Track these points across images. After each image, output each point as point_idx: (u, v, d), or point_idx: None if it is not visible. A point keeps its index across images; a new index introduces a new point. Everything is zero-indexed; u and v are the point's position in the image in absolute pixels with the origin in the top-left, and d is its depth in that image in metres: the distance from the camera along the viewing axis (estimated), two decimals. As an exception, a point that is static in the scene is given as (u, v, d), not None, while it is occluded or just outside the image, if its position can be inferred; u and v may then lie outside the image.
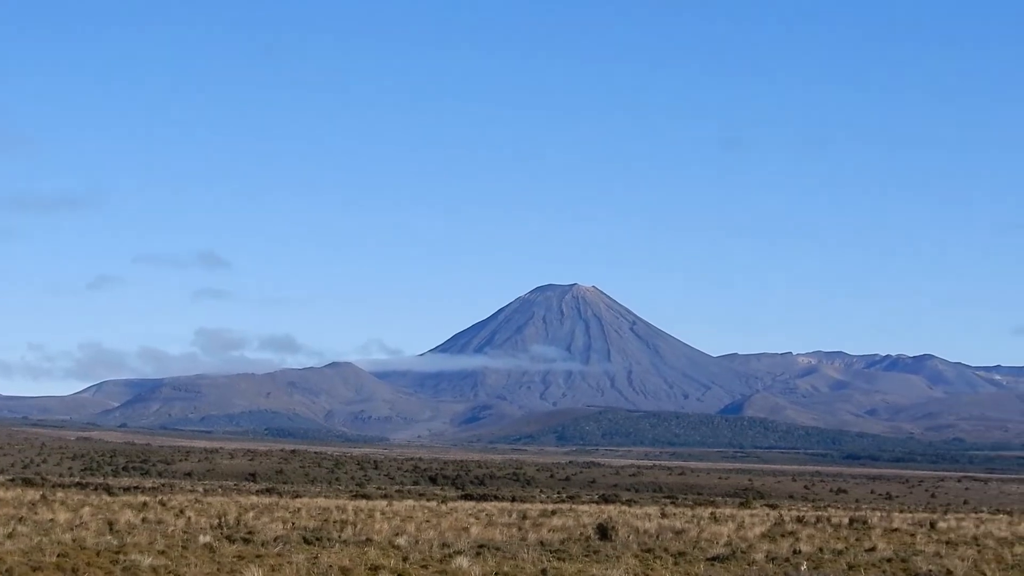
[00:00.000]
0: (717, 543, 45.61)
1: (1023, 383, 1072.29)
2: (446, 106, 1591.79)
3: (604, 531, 46.87)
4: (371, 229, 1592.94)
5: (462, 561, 35.32)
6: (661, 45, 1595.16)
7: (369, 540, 42.01)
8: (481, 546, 41.17)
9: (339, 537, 42.62)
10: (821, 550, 44.34)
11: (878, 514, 76.34)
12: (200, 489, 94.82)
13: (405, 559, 36.68)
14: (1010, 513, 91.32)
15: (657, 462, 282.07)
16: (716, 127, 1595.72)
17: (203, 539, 39.71)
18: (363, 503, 72.61)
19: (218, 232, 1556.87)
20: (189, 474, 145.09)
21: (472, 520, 55.97)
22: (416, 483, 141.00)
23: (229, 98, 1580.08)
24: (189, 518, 50.99)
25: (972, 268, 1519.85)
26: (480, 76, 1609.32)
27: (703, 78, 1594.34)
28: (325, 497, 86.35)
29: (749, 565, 38.08)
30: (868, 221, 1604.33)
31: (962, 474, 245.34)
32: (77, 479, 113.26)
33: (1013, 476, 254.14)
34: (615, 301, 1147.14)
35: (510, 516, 60.41)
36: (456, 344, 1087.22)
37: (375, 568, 34.08)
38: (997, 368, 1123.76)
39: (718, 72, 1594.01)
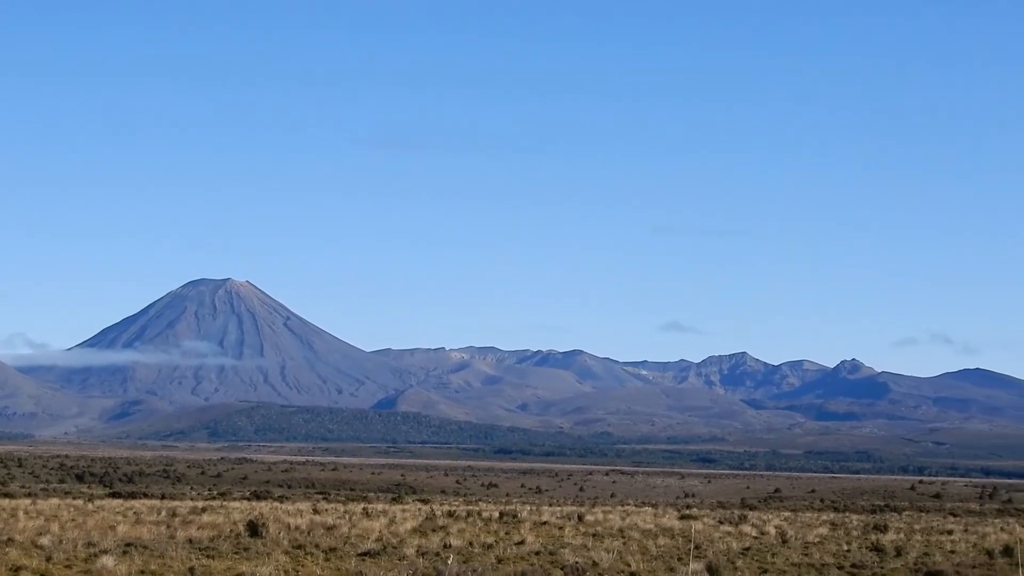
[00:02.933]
0: (368, 538, 45.54)
1: (668, 378, 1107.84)
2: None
3: (255, 528, 46.32)
4: (12, 218, 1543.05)
5: (107, 560, 34.42)
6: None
7: (11, 540, 40.61)
8: (128, 545, 40.21)
9: (-22, 538, 41.07)
10: (471, 544, 44.70)
11: (528, 508, 77.40)
12: None
13: (48, 559, 35.59)
14: (655, 506, 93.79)
15: (310, 458, 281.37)
16: (367, 128, 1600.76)
17: None
18: (5, 502, 70.13)
19: None
20: None
21: (120, 518, 54.69)
22: (62, 481, 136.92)
23: None
24: None
25: (620, 265, 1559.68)
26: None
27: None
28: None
29: (400, 560, 38.10)
30: (512, 222, 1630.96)
31: (610, 468, 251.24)
32: None
33: (659, 469, 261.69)
34: (269, 296, 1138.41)
35: (159, 514, 59.22)
36: (105, 338, 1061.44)
37: (16, 569, 32.95)
38: (644, 363, 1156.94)
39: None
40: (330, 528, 50.62)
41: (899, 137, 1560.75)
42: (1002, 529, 66.73)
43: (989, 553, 47.38)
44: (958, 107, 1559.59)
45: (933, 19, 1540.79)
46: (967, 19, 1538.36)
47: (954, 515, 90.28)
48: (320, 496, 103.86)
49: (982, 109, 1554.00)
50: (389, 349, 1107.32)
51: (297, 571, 35.16)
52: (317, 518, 57.42)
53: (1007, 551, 46.61)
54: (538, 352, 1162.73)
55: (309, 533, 47.72)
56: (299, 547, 41.34)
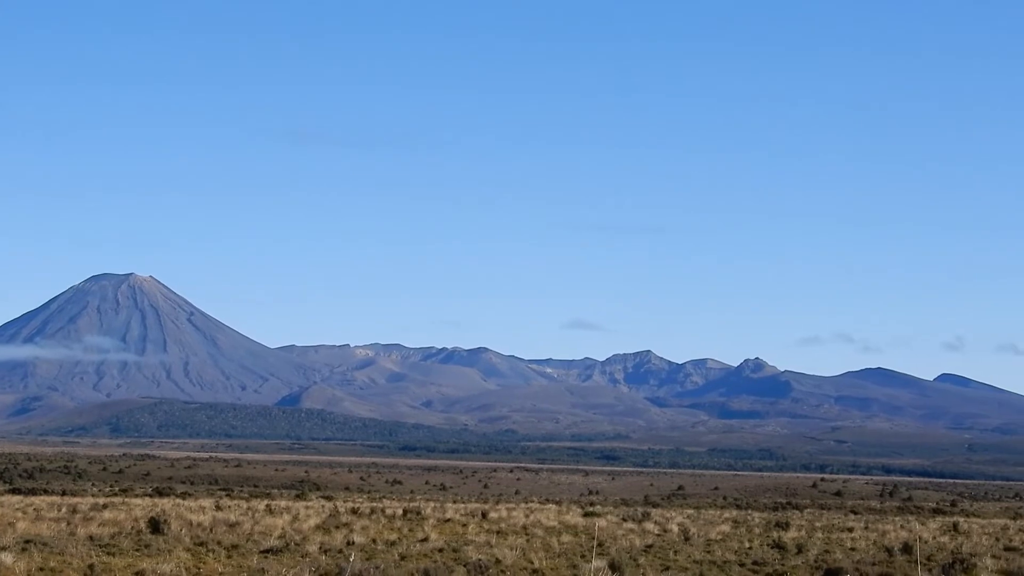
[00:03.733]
0: (271, 536, 45.30)
1: (573, 376, 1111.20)
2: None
3: (156, 525, 45.95)
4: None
5: (6, 557, 34.04)
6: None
7: (-95, 538, 40.04)
8: (28, 541, 39.75)
9: None
10: (375, 541, 44.59)
11: (432, 505, 77.35)
12: None
13: (-55, 557, 35.09)
14: (559, 503, 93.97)
15: (213, 454, 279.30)
16: (272, 122, 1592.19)
17: None
18: (-99, 499, 69.18)
19: None
20: None
21: (19, 515, 54.09)
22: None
23: None
24: None
25: (526, 263, 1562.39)
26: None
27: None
28: None
29: (303, 557, 37.93)
30: (419, 218, 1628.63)
31: (514, 465, 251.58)
32: None
33: (563, 467, 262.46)
34: (173, 291, 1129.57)
35: (59, 510, 58.59)
36: (5, 333, 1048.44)
37: (-89, 567, 32.50)
38: (549, 361, 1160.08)
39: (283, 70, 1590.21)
40: (233, 525, 50.29)
41: (800, 134, 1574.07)
42: (902, 527, 67.42)
43: (889, 550, 47.87)
44: (858, 103, 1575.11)
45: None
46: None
47: (855, 513, 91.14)
48: (223, 493, 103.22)
49: (885, 107, 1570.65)
50: (294, 345, 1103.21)
51: (199, 568, 34.90)
52: (220, 515, 57.00)
53: (906, 548, 47.10)
54: (443, 349, 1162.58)
55: (211, 530, 47.39)
56: (201, 544, 41.05)
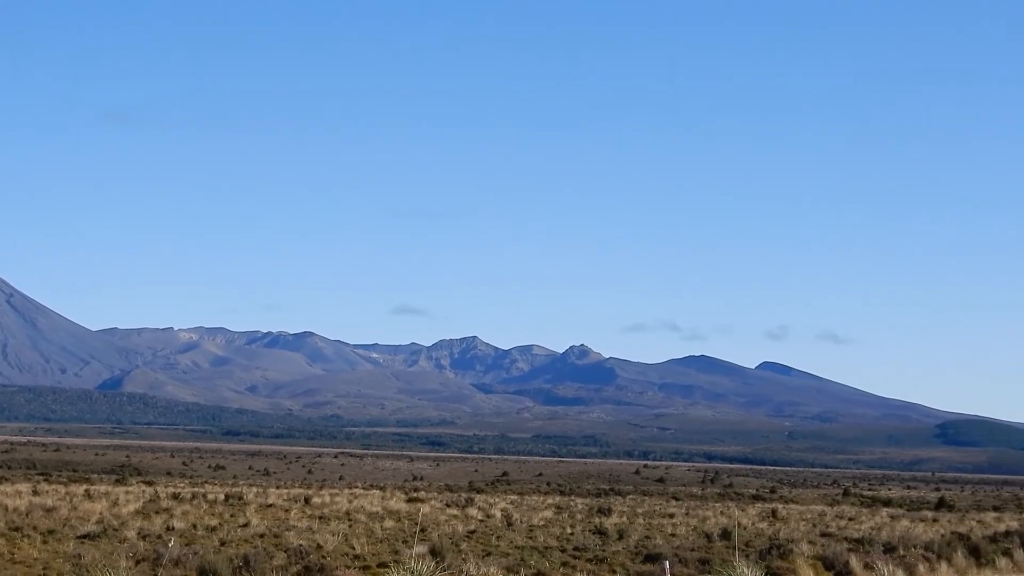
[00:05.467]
0: (89, 521, 44.59)
1: (399, 361, 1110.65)
2: None
3: (-30, 510, 44.97)
4: None
5: None
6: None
7: None
8: None
9: None
10: (195, 526, 44.11)
11: (255, 490, 76.77)
12: None
13: None
14: (383, 489, 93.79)
15: (32, 438, 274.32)
16: (99, 101, 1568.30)
17: None
18: None
19: None
20: None
21: None
22: None
23: None
24: None
25: (353, 248, 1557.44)
26: None
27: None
28: None
29: (120, 543, 37.37)
30: (243, 202, 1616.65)
31: (339, 450, 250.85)
32: None
33: (388, 452, 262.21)
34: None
35: None
36: None
37: None
38: (375, 346, 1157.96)
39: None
40: (50, 510, 49.41)
41: (615, 114, 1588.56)
42: (722, 513, 68.39)
43: (708, 536, 48.50)
44: (663, 87, 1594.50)
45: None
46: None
47: (676, 499, 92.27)
48: (41, 477, 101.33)
49: (700, 98, 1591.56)
50: (116, 328, 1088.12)
51: (13, 554, 34.19)
52: (37, 500, 55.95)
53: (726, 535, 47.77)
54: (269, 333, 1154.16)
55: (28, 515, 46.51)
56: (16, 529, 40.24)
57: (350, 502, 63.38)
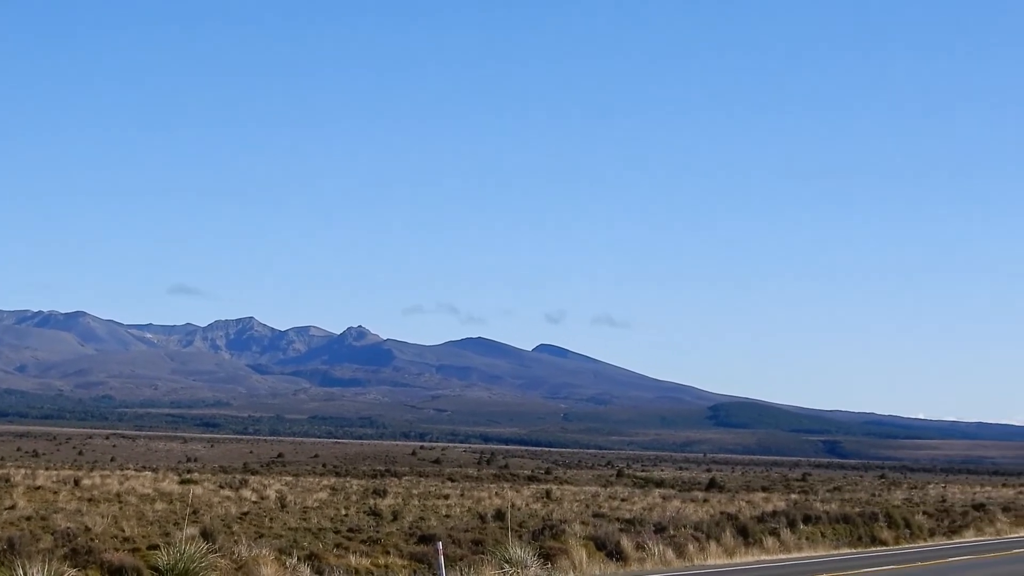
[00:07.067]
0: None
1: (173, 342, 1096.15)
2: None
3: None
4: None
5: None
6: None
7: None
8: None
9: None
10: (-46, 509, 43.07)
11: (23, 472, 75.26)
12: None
13: None
14: (156, 470, 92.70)
15: None
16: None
17: None
18: None
19: None
20: None
21: None
22: None
23: None
24: None
25: (126, 225, 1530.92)
26: None
27: None
28: None
29: None
30: (24, 174, 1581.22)
31: (111, 432, 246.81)
32: None
33: (161, 434, 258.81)
34: None
35: None
36: None
37: None
38: (149, 327, 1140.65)
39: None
40: None
41: (411, 96, 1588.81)
42: (497, 494, 68.93)
43: (482, 517, 48.83)
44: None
45: None
46: None
47: (452, 480, 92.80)
48: None
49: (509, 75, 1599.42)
50: None
51: None
52: None
53: (499, 515, 48.12)
54: (39, 312, 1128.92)
55: None
56: None
57: (121, 484, 62.50)
